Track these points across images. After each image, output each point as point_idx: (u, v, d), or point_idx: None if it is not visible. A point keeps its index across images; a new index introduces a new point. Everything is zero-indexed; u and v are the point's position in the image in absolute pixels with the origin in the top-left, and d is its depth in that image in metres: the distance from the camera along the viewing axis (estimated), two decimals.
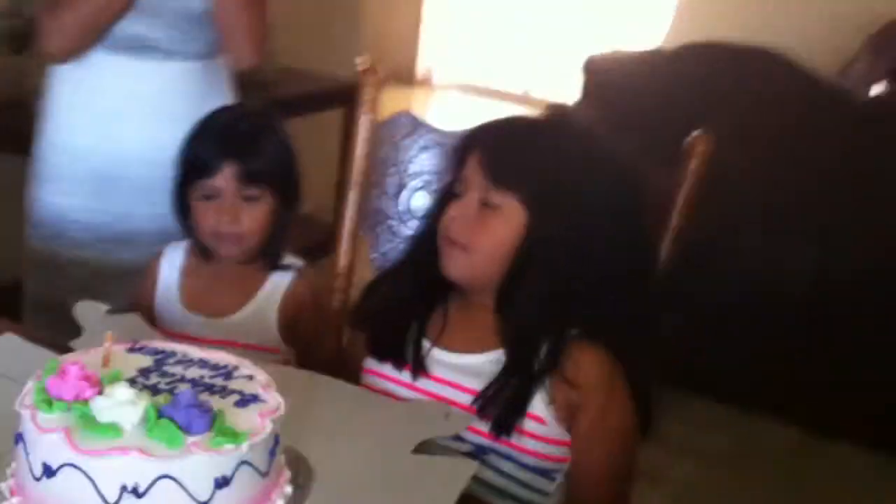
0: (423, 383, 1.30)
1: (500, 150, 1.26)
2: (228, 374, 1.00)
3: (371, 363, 1.36)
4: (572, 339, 1.26)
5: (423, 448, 1.09)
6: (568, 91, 5.96)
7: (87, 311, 1.27)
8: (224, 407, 0.93)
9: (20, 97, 2.48)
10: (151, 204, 1.74)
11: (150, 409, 0.88)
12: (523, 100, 6.23)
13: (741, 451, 2.68)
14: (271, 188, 1.48)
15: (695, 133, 1.32)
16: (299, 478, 1.01)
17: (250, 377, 1.00)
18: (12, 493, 0.92)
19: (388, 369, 1.34)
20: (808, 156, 2.52)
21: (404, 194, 1.51)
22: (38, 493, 0.89)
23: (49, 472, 0.87)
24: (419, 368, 1.31)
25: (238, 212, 1.46)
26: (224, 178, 1.45)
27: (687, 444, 2.57)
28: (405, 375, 1.32)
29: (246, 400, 0.95)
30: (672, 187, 1.34)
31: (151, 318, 1.48)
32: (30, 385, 0.93)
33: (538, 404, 1.24)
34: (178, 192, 1.51)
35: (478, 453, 1.23)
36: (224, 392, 0.96)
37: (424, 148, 1.47)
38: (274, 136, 1.51)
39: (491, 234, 1.25)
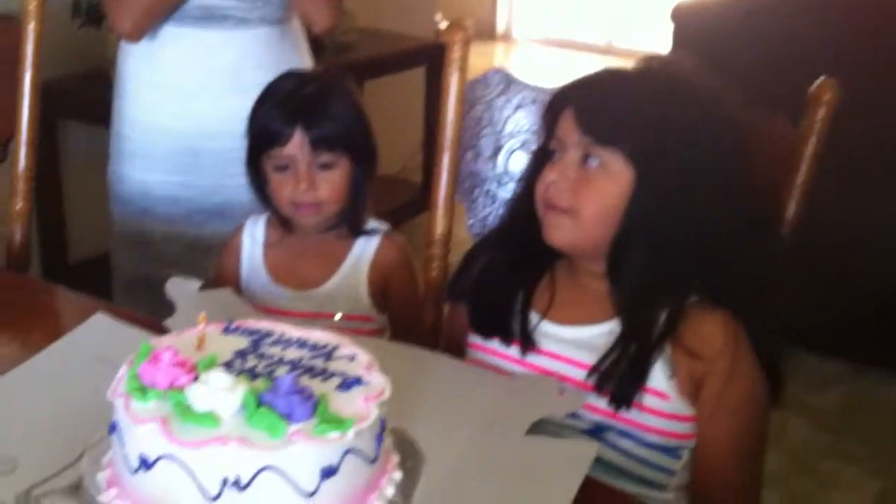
0: (532, 359, 1.22)
1: (599, 104, 1.16)
2: (329, 354, 0.93)
3: (476, 338, 1.28)
4: (691, 305, 1.17)
5: (538, 427, 1.01)
6: (654, 40, 5.83)
7: (179, 288, 1.22)
8: (326, 391, 0.86)
9: (100, 68, 2.46)
10: (239, 175, 1.69)
11: (249, 395, 0.83)
12: (607, 51, 6.06)
13: (853, 407, 2.57)
14: (346, 153, 1.41)
15: (819, 79, 1.20)
16: (408, 462, 0.94)
17: (352, 357, 0.93)
18: (108, 485, 0.87)
19: (494, 344, 1.26)
20: None
21: (501, 156, 1.42)
22: (135, 486, 0.84)
23: (146, 464, 0.82)
24: (528, 343, 1.23)
25: (314, 180, 1.40)
26: (296, 147, 1.39)
27: (799, 402, 2.48)
28: (513, 351, 1.24)
29: (349, 383, 0.89)
30: (795, 138, 1.22)
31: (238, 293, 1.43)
32: (123, 371, 0.88)
33: (659, 378, 1.15)
34: (251, 163, 1.45)
35: (595, 431, 1.15)
36: (325, 375, 0.90)
37: (519, 106, 1.38)
38: (342, 99, 1.44)
39: (597, 195, 1.16)
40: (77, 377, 1.06)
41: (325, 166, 1.40)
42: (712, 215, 1.15)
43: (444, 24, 4.28)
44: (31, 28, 1.50)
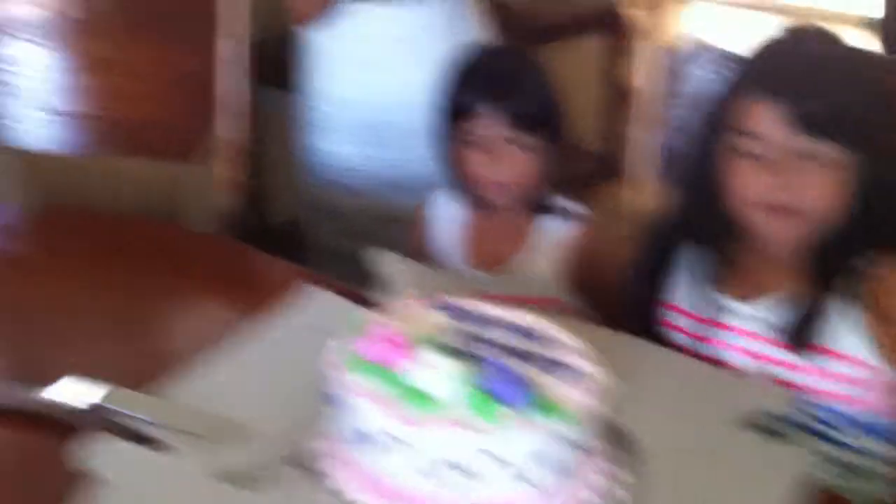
0: (724, 336, 1.19)
1: (809, 100, 1.08)
2: (539, 338, 0.93)
3: (667, 316, 1.26)
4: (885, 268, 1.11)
5: (755, 421, 0.98)
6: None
7: (385, 262, 1.23)
8: (540, 377, 0.86)
9: (292, 33, 2.50)
10: (422, 148, 1.70)
11: (467, 379, 0.83)
12: (783, 10, 5.77)
13: None
14: (538, 132, 1.39)
15: None
16: (621, 453, 0.93)
17: (562, 342, 0.92)
18: (325, 455, 0.89)
19: (684, 322, 1.23)
20: None
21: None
22: (352, 458, 0.86)
23: (363, 438, 0.84)
24: (718, 322, 1.20)
25: (504, 158, 1.38)
26: (488, 124, 1.37)
27: None
28: (704, 330, 1.21)
29: (562, 369, 0.88)
30: None
31: None
32: (337, 344, 0.90)
33: (863, 344, 1.11)
34: (440, 138, 1.45)
35: (812, 430, 1.10)
36: (537, 360, 0.89)
37: (714, 77, 1.31)
38: (536, 76, 1.42)
39: (821, 192, 1.10)
40: (295, 347, 1.09)
41: (517, 144, 1.39)
42: None
43: None
44: None
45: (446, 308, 0.96)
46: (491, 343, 0.91)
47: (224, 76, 1.54)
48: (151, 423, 0.96)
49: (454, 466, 0.81)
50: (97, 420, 0.97)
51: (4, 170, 1.65)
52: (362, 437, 0.84)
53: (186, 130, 1.58)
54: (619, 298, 1.43)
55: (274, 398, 1.01)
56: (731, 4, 6.19)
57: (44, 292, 1.25)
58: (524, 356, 0.89)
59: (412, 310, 0.94)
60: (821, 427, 1.12)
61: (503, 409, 0.81)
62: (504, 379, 0.83)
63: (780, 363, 1.15)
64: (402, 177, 1.79)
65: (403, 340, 0.87)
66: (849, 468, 1.13)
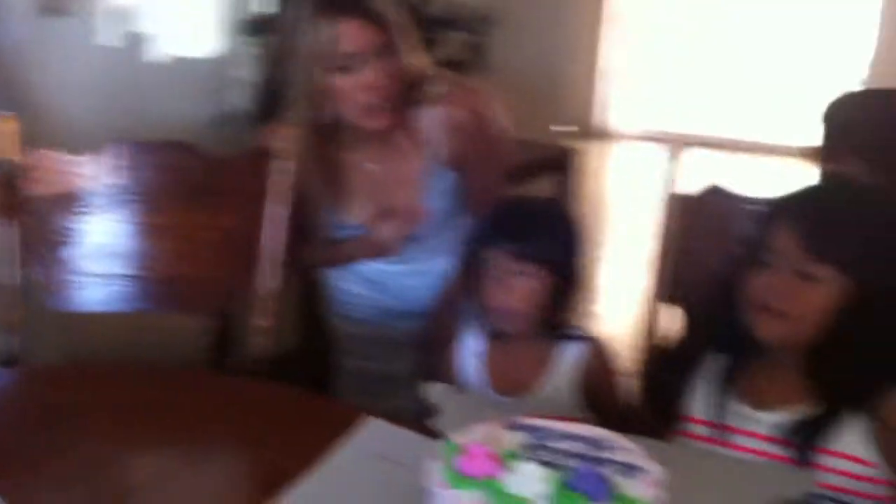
0: (740, 441, 1.36)
1: (817, 223, 1.30)
2: (603, 446, 1.08)
3: (684, 426, 1.42)
4: (891, 388, 1.29)
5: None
6: (764, 132, 5.95)
7: (438, 392, 1.38)
8: (614, 476, 1.00)
9: None
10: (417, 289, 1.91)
11: (558, 481, 0.97)
12: (716, 144, 6.17)
13: None
14: (545, 267, 1.55)
15: None
16: None
17: (624, 448, 1.07)
18: None
19: (701, 430, 1.40)
20: None
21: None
22: None
23: None
24: (732, 427, 1.37)
25: (512, 287, 1.54)
26: (500, 255, 1.54)
27: None
28: (721, 435, 1.37)
29: (629, 469, 1.03)
30: None
31: None
32: (436, 466, 1.03)
33: (865, 448, 1.29)
34: (464, 271, 1.62)
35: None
36: (607, 463, 1.04)
37: (733, 217, 1.53)
38: (553, 220, 1.60)
39: (811, 305, 1.30)
40: (368, 475, 1.22)
41: (524, 276, 1.55)
42: None
43: (568, 129, 4.43)
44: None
45: (519, 427, 1.11)
46: (569, 453, 1.05)
47: (268, 234, 1.70)
48: None
49: None
50: None
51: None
52: None
53: (226, 284, 1.72)
54: (632, 415, 1.60)
55: None
56: (647, 139, 6.55)
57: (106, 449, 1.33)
58: (599, 462, 1.04)
59: (492, 431, 1.08)
60: None
61: None
62: (588, 479, 0.98)
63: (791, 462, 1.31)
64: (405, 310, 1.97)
65: (496, 456, 1.01)
66: None
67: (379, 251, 1.90)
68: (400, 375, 1.94)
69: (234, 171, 1.77)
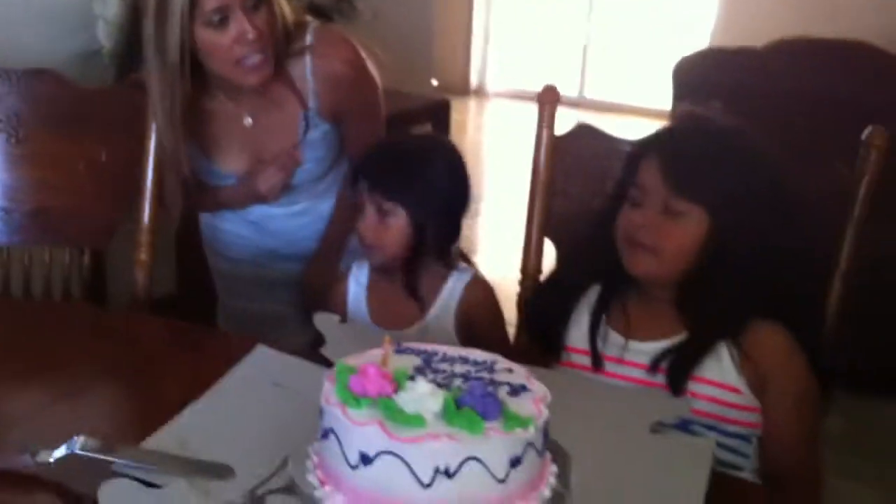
0: (618, 369, 1.42)
1: (680, 161, 1.37)
2: (490, 368, 1.11)
3: (564, 356, 1.47)
4: (752, 320, 1.38)
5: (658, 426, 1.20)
6: (627, 93, 6.14)
7: (325, 322, 1.39)
8: (504, 396, 1.04)
9: None
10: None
11: (449, 399, 1.00)
12: (577, 104, 6.34)
13: (856, 432, 2.77)
14: (403, 205, 1.58)
15: (870, 128, 1.42)
16: (557, 458, 1.11)
17: (510, 370, 1.11)
18: (323, 482, 1.03)
19: (581, 359, 1.46)
20: None
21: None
22: (353, 480, 1.00)
23: (366, 459, 0.98)
24: (610, 357, 1.43)
25: (370, 222, 1.58)
26: (362, 189, 1.58)
27: None
28: (600, 363, 1.44)
29: (516, 389, 1.06)
30: (850, 181, 1.45)
31: None
32: (328, 386, 1.04)
33: (732, 375, 1.37)
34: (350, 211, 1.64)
35: (683, 426, 1.34)
36: (496, 383, 1.07)
37: (602, 154, 1.58)
38: (419, 162, 1.62)
39: (677, 240, 1.37)
40: (259, 399, 1.22)
41: (383, 213, 1.58)
42: (774, 253, 1.36)
43: (435, 83, 4.46)
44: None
45: (410, 350, 1.13)
46: (455, 374, 1.08)
47: (147, 169, 1.65)
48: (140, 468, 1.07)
49: (448, 474, 0.97)
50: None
51: None
52: (366, 459, 0.98)
53: (101, 218, 1.67)
54: (511, 348, 1.65)
55: (255, 443, 1.14)
56: (521, 98, 6.65)
57: None
58: (484, 381, 1.07)
59: (388, 352, 1.10)
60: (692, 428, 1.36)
61: (485, 423, 0.98)
62: (479, 397, 1.01)
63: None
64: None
65: (389, 375, 1.03)
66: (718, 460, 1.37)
67: (256, 199, 1.88)
68: (282, 315, 1.94)
69: (105, 104, 1.72)
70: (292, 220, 1.95)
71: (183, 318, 1.55)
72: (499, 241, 3.64)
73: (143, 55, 1.69)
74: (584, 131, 1.63)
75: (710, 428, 1.36)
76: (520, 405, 1.03)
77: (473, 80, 6.84)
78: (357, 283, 1.68)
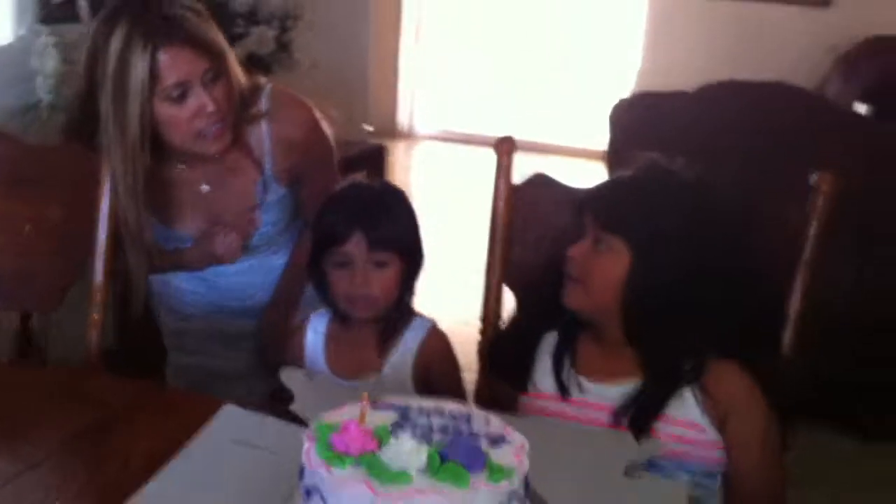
0: (582, 412, 1.44)
1: (608, 201, 1.46)
2: (468, 419, 1.12)
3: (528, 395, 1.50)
4: (710, 359, 1.42)
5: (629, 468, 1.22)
6: (556, 134, 6.26)
7: (292, 378, 1.38)
8: (486, 447, 1.04)
9: None
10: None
11: (434, 454, 1.00)
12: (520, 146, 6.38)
13: (804, 461, 2.81)
14: (398, 253, 1.59)
15: (817, 174, 1.48)
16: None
17: (487, 421, 1.12)
18: None
19: (544, 403, 1.48)
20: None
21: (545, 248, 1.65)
22: None
23: None
24: (574, 400, 1.46)
25: (368, 277, 1.57)
26: (353, 245, 1.56)
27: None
28: (564, 407, 1.46)
29: (496, 440, 1.07)
30: (798, 223, 1.51)
31: None
32: (309, 445, 1.04)
33: (695, 414, 1.40)
34: (313, 262, 1.63)
35: (650, 464, 1.36)
36: (475, 435, 1.08)
37: (558, 203, 1.62)
38: (398, 205, 1.64)
39: (600, 269, 1.43)
40: (231, 461, 1.21)
41: (380, 265, 1.58)
42: (714, 290, 1.39)
43: (370, 129, 4.51)
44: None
45: (385, 406, 1.13)
46: (435, 428, 1.08)
47: (99, 228, 1.62)
48: None
49: None
50: None
51: None
52: None
53: (53, 280, 1.64)
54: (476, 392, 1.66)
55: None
56: (449, 140, 6.71)
57: None
58: (463, 433, 1.08)
59: (366, 409, 1.10)
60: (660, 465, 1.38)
61: (471, 476, 0.99)
62: (462, 449, 1.01)
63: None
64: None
65: (370, 432, 1.03)
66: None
67: (213, 260, 1.87)
68: (235, 369, 1.92)
69: (55, 162, 1.69)
70: (243, 276, 1.94)
71: (130, 375, 1.53)
72: (439, 286, 3.65)
73: (98, 129, 1.68)
74: (540, 180, 1.66)
75: (677, 466, 1.39)
76: (502, 456, 1.04)
77: (403, 123, 6.87)
78: (315, 332, 1.66)
